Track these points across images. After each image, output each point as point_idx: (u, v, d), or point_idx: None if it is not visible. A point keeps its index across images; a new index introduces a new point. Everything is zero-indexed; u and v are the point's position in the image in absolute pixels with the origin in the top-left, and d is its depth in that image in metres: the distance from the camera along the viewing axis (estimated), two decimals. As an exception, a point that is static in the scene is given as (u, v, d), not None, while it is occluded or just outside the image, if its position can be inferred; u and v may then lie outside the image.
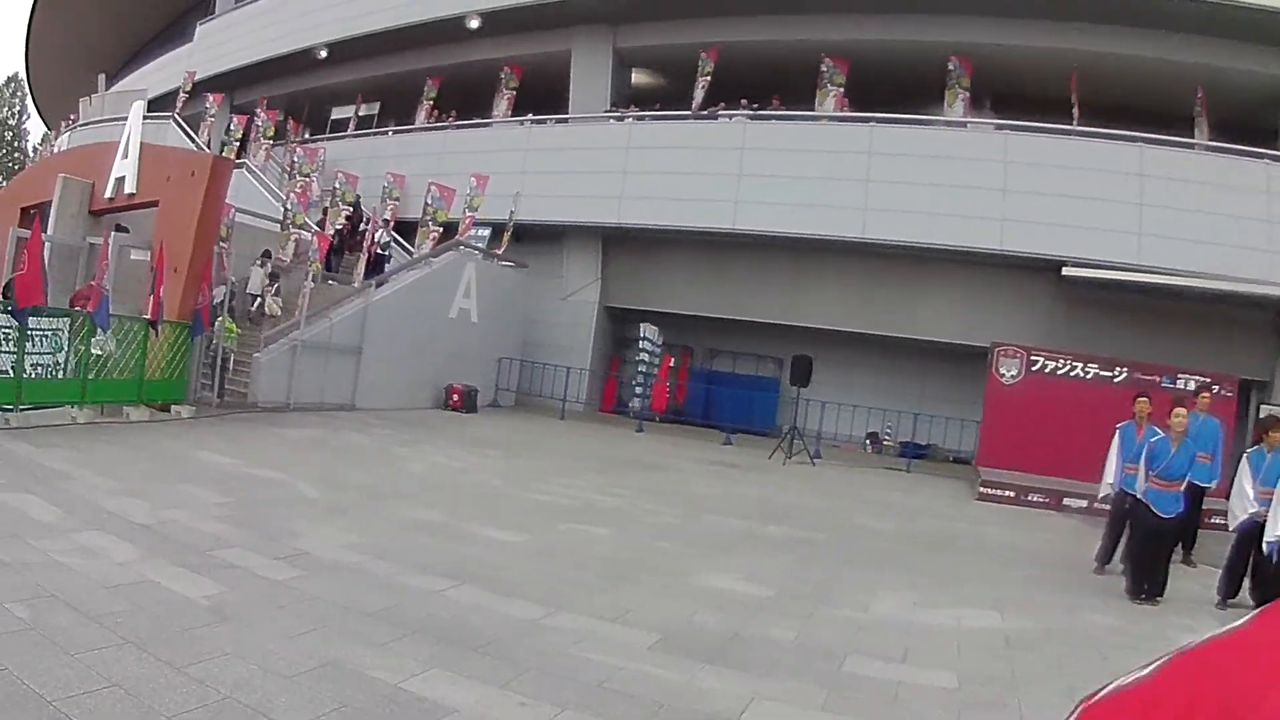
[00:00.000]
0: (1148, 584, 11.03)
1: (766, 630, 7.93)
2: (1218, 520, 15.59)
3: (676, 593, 8.84)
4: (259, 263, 22.83)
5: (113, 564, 7.18)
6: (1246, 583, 11.38)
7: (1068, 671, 7.79)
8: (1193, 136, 25.18)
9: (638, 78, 33.04)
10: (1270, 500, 10.64)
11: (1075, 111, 25.15)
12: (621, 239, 29.00)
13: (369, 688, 5.54)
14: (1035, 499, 19.53)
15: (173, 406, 16.27)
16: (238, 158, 31.33)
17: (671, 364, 29.65)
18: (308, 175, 31.20)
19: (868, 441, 28.43)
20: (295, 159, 32.31)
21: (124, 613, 6.08)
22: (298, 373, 19.54)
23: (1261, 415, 23.79)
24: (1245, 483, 11.25)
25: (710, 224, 26.42)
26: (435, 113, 33.56)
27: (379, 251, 25.47)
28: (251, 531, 8.85)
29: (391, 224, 28.05)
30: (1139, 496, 11.31)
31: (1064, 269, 23.77)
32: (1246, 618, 2.03)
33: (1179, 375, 21.66)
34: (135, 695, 4.91)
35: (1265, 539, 10.36)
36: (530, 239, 28.50)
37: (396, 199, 29.60)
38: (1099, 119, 24.72)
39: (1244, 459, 11.65)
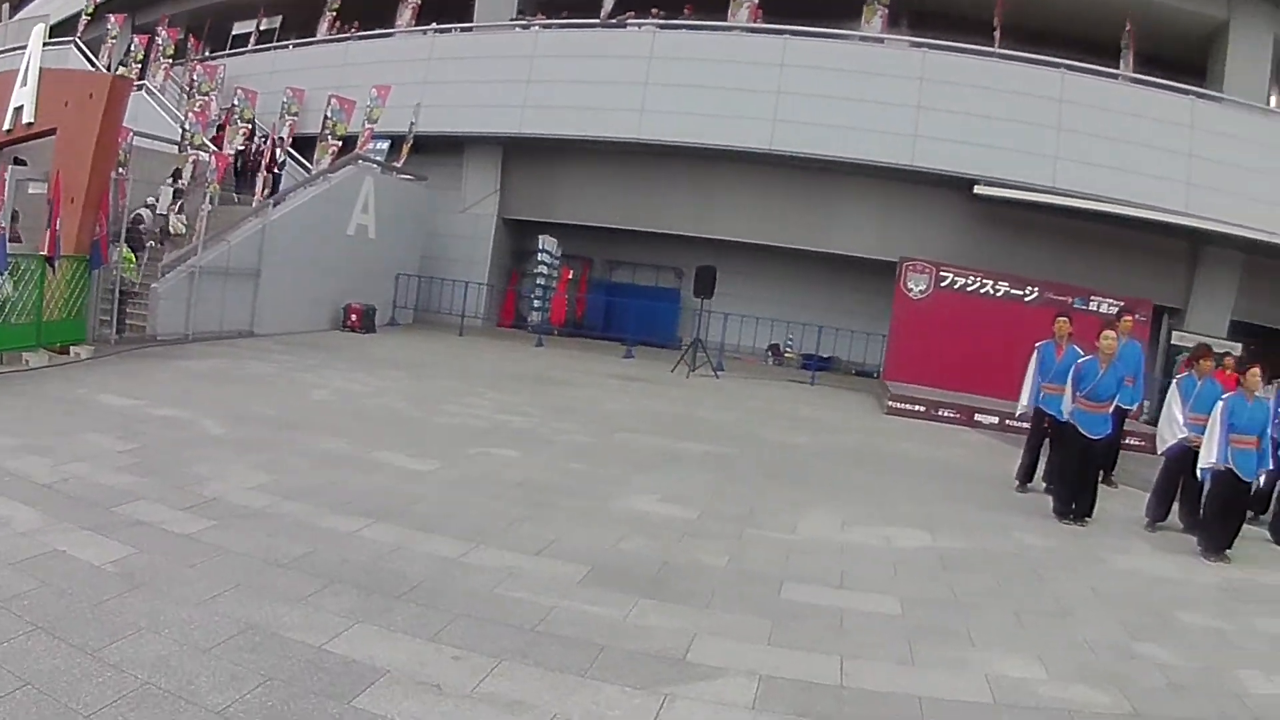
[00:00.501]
0: (1076, 504, 11.13)
1: (697, 556, 7.75)
2: (1132, 442, 15.86)
3: (598, 518, 8.59)
4: (169, 182, 21.97)
5: (16, 535, 6.59)
6: (1175, 506, 11.51)
7: (1009, 595, 7.84)
8: (1119, 67, 25.16)
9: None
10: (1199, 426, 10.81)
11: (997, 33, 24.97)
12: (523, 149, 28.38)
13: (292, 653, 5.15)
14: (946, 414, 19.57)
15: (72, 348, 15.33)
16: (138, 79, 30.17)
17: (570, 276, 29.17)
18: (206, 94, 29.85)
19: (769, 354, 28.43)
20: (195, 78, 30.85)
21: (31, 592, 5.58)
22: (196, 301, 18.64)
23: (1171, 340, 24.41)
24: (1175, 408, 11.47)
25: (615, 133, 25.90)
26: (338, 24, 32.39)
27: (276, 171, 24.55)
28: (157, 480, 8.30)
29: (288, 140, 27.08)
30: (1066, 418, 11.37)
31: (976, 187, 23.62)
32: None
33: (1092, 297, 21.76)
34: (50, 693, 4.45)
35: (1199, 465, 10.53)
36: (430, 151, 27.67)
37: (295, 114, 28.69)
38: (1023, 43, 24.59)
39: (1174, 385, 11.86)
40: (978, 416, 19.38)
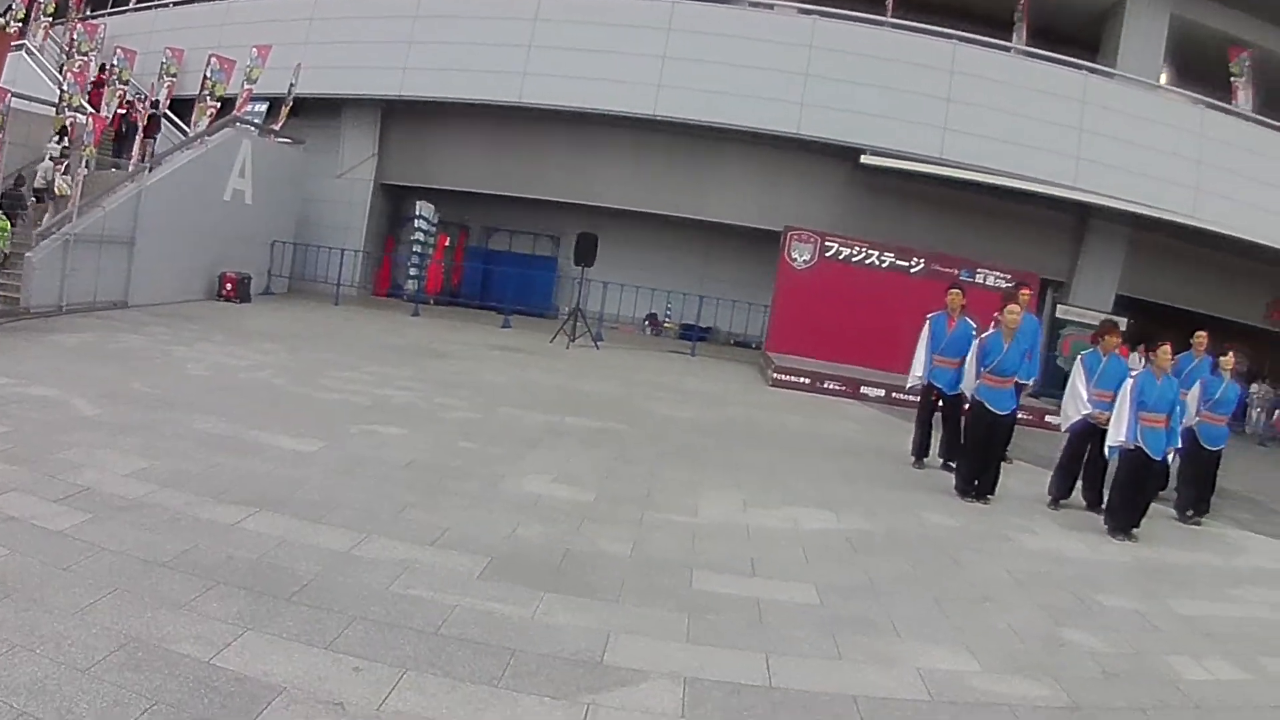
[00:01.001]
0: (979, 481, 11.05)
1: (598, 544, 7.42)
2: (1024, 417, 15.97)
3: (491, 502, 8.19)
4: (53, 139, 20.66)
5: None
6: (1078, 484, 11.56)
7: (926, 580, 7.77)
8: (1011, 40, 25.35)
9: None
10: (1104, 402, 10.87)
11: (889, 2, 24.91)
12: (403, 113, 27.80)
13: (180, 670, 4.63)
14: (832, 386, 19.53)
15: (-56, 324, 14.52)
16: (18, 39, 28.72)
17: (447, 243, 28.86)
18: (86, 54, 28.63)
19: (647, 323, 28.37)
20: (75, 36, 29.65)
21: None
22: (70, 271, 17.65)
23: (1056, 314, 24.86)
24: (1080, 384, 11.48)
25: (497, 97, 25.36)
26: None
27: (153, 134, 23.64)
28: (28, 469, 7.60)
29: (165, 102, 26.02)
30: (972, 394, 11.32)
31: (863, 156, 23.65)
32: None
33: (978, 269, 21.96)
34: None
35: (1107, 443, 10.54)
36: (308, 113, 27.01)
37: (174, 75, 27.53)
38: (915, 13, 24.59)
39: (1078, 361, 11.78)
40: (863, 389, 19.43)
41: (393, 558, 6.51)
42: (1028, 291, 13.39)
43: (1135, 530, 10.32)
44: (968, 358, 11.53)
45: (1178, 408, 10.76)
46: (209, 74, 24.99)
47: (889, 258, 22.45)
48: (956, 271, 21.12)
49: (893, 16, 24.57)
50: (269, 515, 7.14)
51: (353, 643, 5.15)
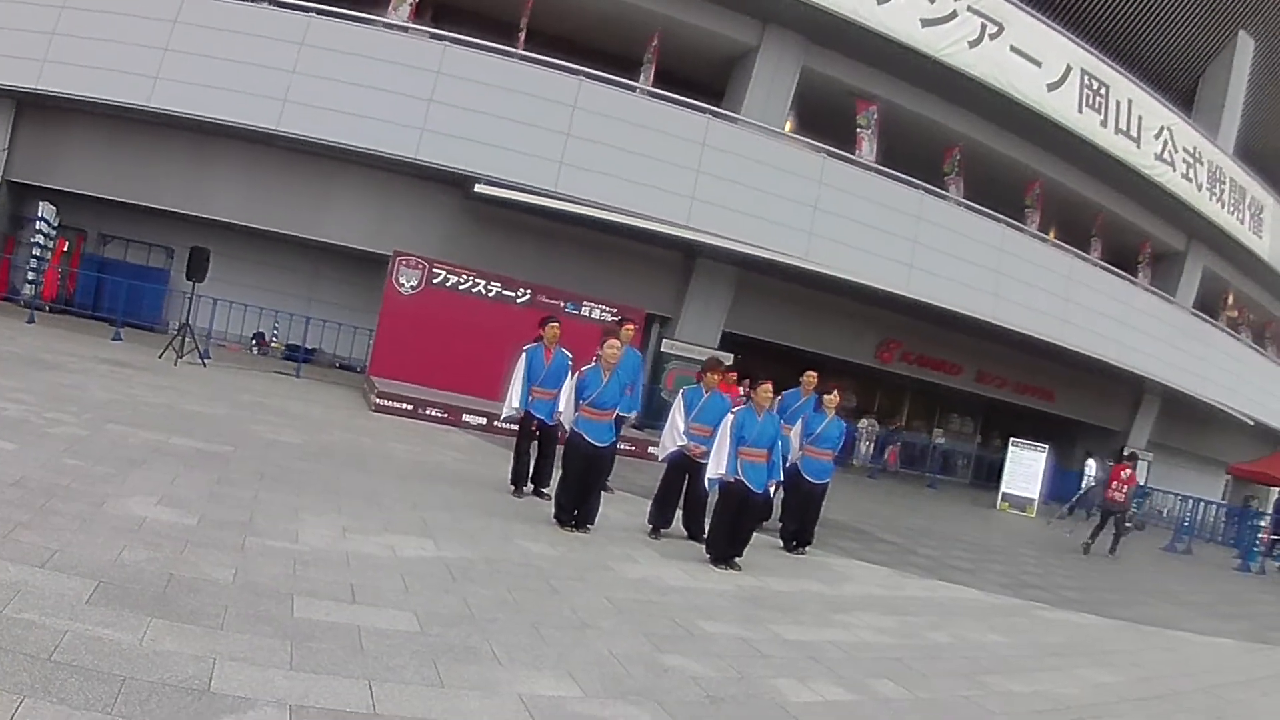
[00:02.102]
0: (579, 511, 11.36)
1: (201, 568, 7.24)
2: (625, 448, 16.50)
3: (98, 524, 7.85)
4: None
5: None
6: (679, 515, 12.08)
7: (524, 607, 7.87)
8: (638, 81, 26.20)
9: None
10: (702, 437, 11.45)
11: (522, 34, 25.34)
12: (37, 106, 25.93)
13: None
14: (434, 414, 19.83)
15: None
16: None
17: (65, 248, 27.32)
18: None
19: (254, 342, 27.92)
20: None
21: None
22: None
23: (661, 348, 25.76)
24: (678, 417, 12.05)
25: (126, 98, 24.06)
26: None
27: None
28: None
29: None
30: (569, 427, 11.65)
31: (476, 186, 23.84)
32: None
33: (584, 303, 22.58)
34: None
35: (707, 476, 11.09)
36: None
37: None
38: (546, 48, 25.13)
39: (680, 395, 12.31)
40: (466, 417, 19.86)
41: (5, 579, 6.21)
42: (631, 327, 13.95)
43: (738, 560, 10.93)
44: (563, 389, 11.88)
45: (779, 442, 11.38)
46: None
47: (496, 287, 22.97)
48: (562, 304, 21.72)
49: (524, 48, 24.96)
50: None
51: (-38, 670, 4.96)
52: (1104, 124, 31.51)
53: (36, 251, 25.92)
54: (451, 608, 7.47)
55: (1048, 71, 29.70)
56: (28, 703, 4.66)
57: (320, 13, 24.29)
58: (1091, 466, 30.28)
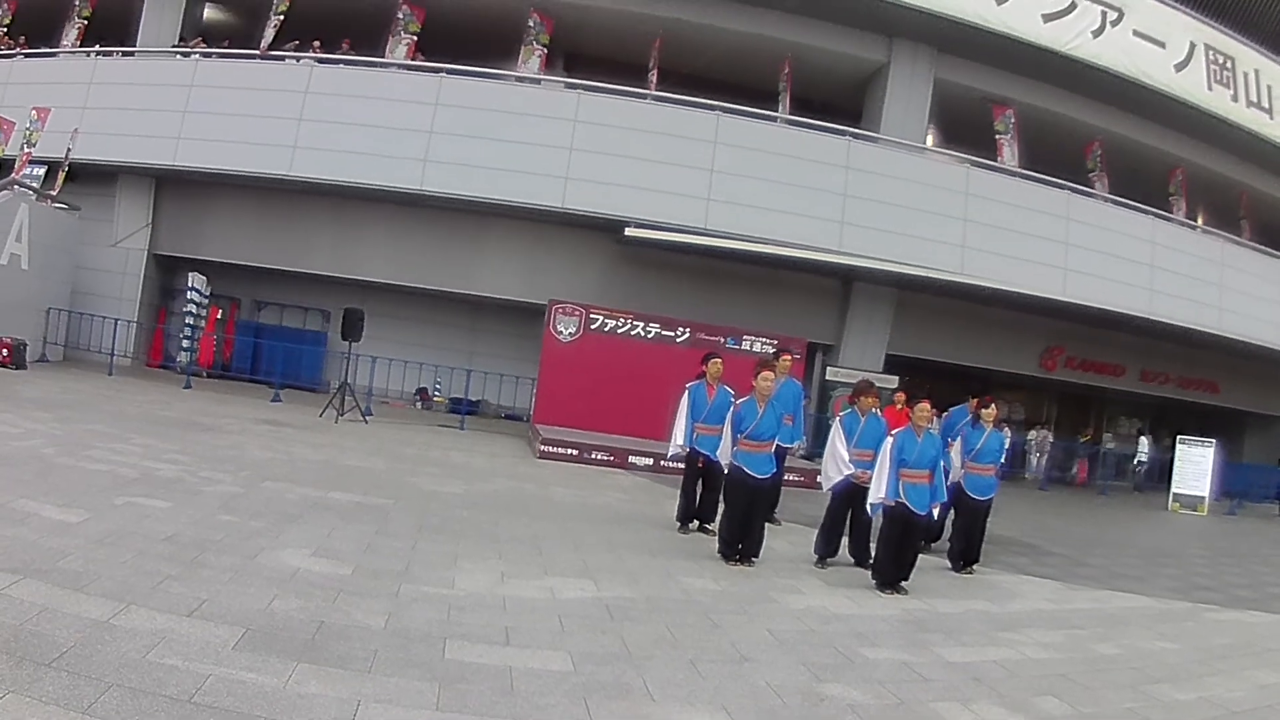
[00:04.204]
0: (743, 544, 11.15)
1: (353, 615, 7.25)
2: (792, 478, 16.33)
3: (250, 575, 7.94)
4: None
5: None
6: (845, 542, 11.83)
7: (682, 643, 7.66)
8: (776, 110, 26.07)
9: (211, 13, 31.23)
10: (864, 462, 11.21)
11: (654, 76, 25.49)
12: (175, 182, 27.01)
13: None
14: (599, 457, 19.61)
15: None
16: None
17: (219, 316, 28.18)
18: None
19: (417, 398, 28.28)
20: None
21: None
22: None
23: (826, 376, 25.55)
24: (839, 445, 11.75)
25: (268, 169, 24.86)
26: (5, 40, 30.04)
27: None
28: None
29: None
30: (729, 461, 11.47)
31: (626, 230, 23.89)
32: None
33: (744, 337, 22.45)
34: None
35: (869, 501, 10.85)
36: (84, 180, 26.05)
37: (-48, 137, 26.34)
38: (679, 86, 25.19)
39: (837, 422, 12.09)
40: (632, 458, 19.52)
41: (151, 627, 6.30)
42: (788, 357, 13.75)
43: (904, 584, 10.61)
44: (724, 425, 11.71)
45: (942, 462, 11.12)
46: (-11, 135, 24.00)
47: (654, 328, 22.76)
48: (723, 340, 21.57)
49: (657, 89, 25.05)
50: (32, 583, 6.86)
51: (108, 708, 5.01)
52: (1234, 99, 30.44)
53: (189, 320, 26.65)
54: (607, 647, 7.34)
55: (1172, 52, 28.84)
56: (166, 743, 4.66)
57: (451, 72, 24.75)
58: (1144, 444, 30.01)
